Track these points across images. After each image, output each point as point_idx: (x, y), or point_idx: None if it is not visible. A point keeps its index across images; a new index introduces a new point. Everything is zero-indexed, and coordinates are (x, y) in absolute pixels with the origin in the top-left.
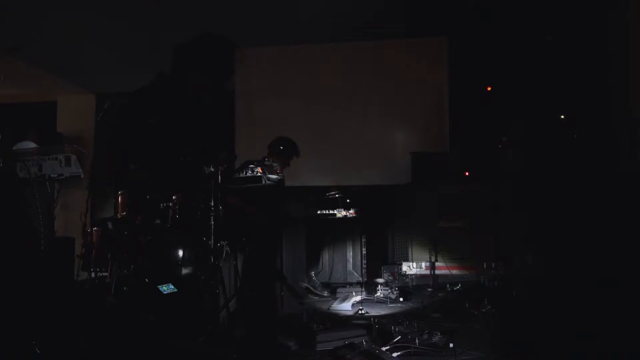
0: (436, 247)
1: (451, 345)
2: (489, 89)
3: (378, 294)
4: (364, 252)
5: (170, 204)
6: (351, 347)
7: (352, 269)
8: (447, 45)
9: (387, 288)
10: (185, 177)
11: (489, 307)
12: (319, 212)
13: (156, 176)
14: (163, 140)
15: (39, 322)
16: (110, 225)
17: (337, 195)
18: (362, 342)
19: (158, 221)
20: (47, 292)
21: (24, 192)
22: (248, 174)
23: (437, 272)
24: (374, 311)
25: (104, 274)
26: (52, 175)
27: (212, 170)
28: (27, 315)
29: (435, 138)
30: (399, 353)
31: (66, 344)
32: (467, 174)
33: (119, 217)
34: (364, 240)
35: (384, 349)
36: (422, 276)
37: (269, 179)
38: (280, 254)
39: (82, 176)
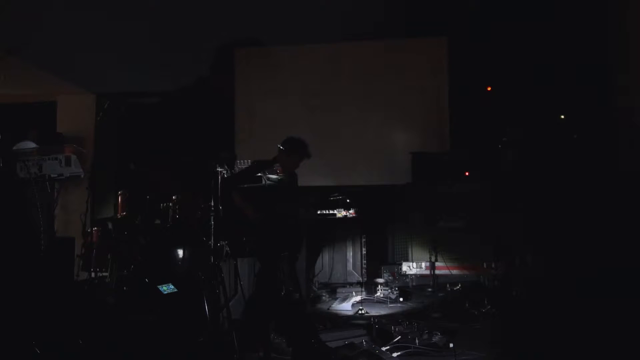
0: (436, 247)
1: (451, 345)
2: (489, 89)
3: (378, 294)
4: (364, 252)
5: (170, 204)
6: (351, 347)
7: (352, 269)
8: (447, 45)
9: (387, 288)
10: (186, 177)
11: (489, 307)
12: (319, 212)
13: (157, 176)
14: (165, 141)
15: (38, 322)
16: (110, 225)
17: (339, 197)
18: (362, 342)
19: (158, 221)
20: (47, 292)
21: (24, 192)
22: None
23: (437, 272)
24: (374, 311)
25: (104, 274)
26: (52, 175)
27: (214, 169)
28: (27, 315)
29: (435, 138)
30: (399, 353)
31: (66, 344)
32: (467, 174)
33: (119, 217)
34: (364, 240)
35: (384, 349)
36: (422, 276)
37: (269, 178)
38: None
39: (82, 176)
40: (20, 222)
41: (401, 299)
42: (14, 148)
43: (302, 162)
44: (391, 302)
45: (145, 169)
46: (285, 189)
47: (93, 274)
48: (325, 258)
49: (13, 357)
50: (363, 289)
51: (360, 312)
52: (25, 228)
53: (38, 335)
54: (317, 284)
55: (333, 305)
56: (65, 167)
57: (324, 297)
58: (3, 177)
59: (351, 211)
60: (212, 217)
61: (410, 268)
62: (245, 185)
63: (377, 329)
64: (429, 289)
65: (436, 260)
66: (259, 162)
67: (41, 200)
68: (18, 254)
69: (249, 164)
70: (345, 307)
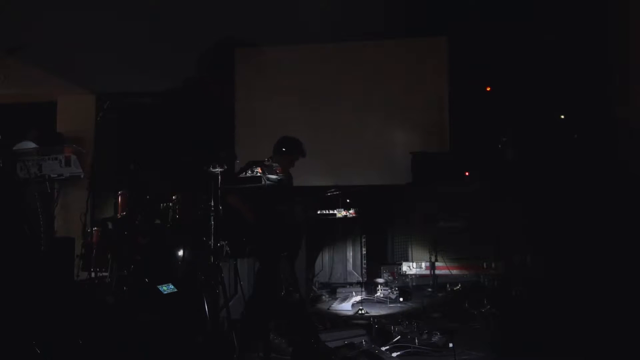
0: (436, 247)
1: (451, 345)
2: (488, 89)
3: (378, 294)
4: (364, 252)
5: (170, 204)
6: (351, 347)
7: (352, 269)
8: (447, 45)
9: (387, 288)
10: (185, 177)
11: (489, 307)
12: (319, 212)
13: (157, 175)
14: (165, 141)
15: (38, 322)
16: (110, 225)
17: (336, 193)
18: (362, 342)
19: (158, 221)
20: (47, 292)
21: (24, 192)
22: (248, 174)
23: (437, 272)
24: (374, 311)
25: (104, 274)
26: (52, 176)
27: (214, 170)
28: (27, 315)
29: (435, 138)
30: (398, 353)
31: (66, 344)
32: (467, 174)
33: (119, 217)
34: (364, 240)
35: (383, 348)
36: (422, 276)
37: (268, 179)
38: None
39: (82, 176)
40: (20, 222)
41: (401, 299)
42: (14, 148)
43: (297, 161)
44: (391, 302)
45: (140, 168)
46: (284, 189)
47: (93, 274)
48: (325, 258)
49: (13, 357)
50: (363, 289)
51: (360, 312)
52: (25, 228)
53: (38, 335)
54: (317, 284)
55: (333, 305)
56: (65, 167)
57: (324, 297)
58: (3, 177)
59: (351, 211)
60: (212, 217)
61: (410, 268)
62: (247, 185)
63: (377, 329)
64: (429, 289)
65: (436, 260)
66: (251, 163)
67: (41, 200)
68: (18, 254)
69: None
70: (345, 307)
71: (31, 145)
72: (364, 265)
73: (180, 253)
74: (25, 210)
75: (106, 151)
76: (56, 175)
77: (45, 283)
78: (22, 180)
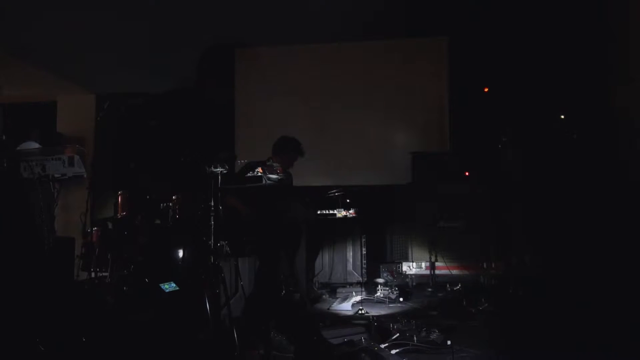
0: (436, 247)
1: (449, 342)
2: (486, 90)
3: (378, 293)
4: (364, 252)
5: (170, 204)
6: (350, 345)
7: (352, 269)
8: (447, 45)
9: (387, 288)
10: (185, 177)
11: (487, 305)
12: (319, 212)
13: (156, 176)
14: (164, 141)
15: (39, 322)
16: (110, 225)
17: (337, 194)
18: (361, 339)
19: (158, 221)
20: (48, 292)
21: (28, 192)
22: (249, 174)
23: (437, 272)
24: (374, 311)
25: (104, 274)
26: (55, 175)
27: (214, 170)
28: (28, 315)
29: (435, 138)
30: (397, 350)
31: (66, 344)
32: (467, 174)
33: (119, 217)
34: (364, 240)
35: (382, 346)
36: (422, 276)
37: (269, 179)
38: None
39: (85, 176)
40: (24, 222)
41: (401, 299)
42: (18, 148)
43: (295, 160)
44: (391, 302)
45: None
46: (285, 188)
47: (93, 274)
48: (325, 258)
49: (14, 356)
50: (363, 289)
51: (360, 312)
52: (28, 228)
53: (39, 335)
54: (317, 284)
55: (333, 305)
56: (68, 167)
57: (324, 297)
58: (7, 178)
59: (351, 211)
60: (212, 217)
61: (410, 268)
62: (248, 185)
63: (376, 327)
64: (429, 289)
65: (436, 260)
66: (250, 163)
67: (44, 200)
68: (21, 254)
69: (244, 164)
70: (345, 307)
71: (34, 145)
72: (364, 265)
73: (180, 253)
74: (29, 210)
75: (106, 151)
76: (59, 175)
77: (45, 283)
78: (25, 180)
